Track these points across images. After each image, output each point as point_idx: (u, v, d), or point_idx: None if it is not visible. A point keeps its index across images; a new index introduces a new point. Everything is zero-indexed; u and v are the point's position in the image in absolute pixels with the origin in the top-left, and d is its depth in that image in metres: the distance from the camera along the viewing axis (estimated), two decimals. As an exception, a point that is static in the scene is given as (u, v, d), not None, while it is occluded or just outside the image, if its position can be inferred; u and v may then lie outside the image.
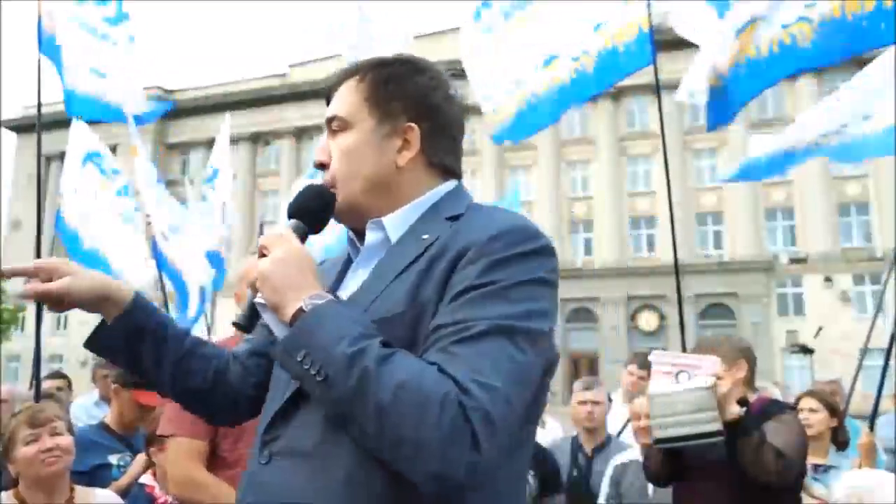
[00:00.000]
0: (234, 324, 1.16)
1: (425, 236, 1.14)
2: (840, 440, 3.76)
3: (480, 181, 32.56)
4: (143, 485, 2.83)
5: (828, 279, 27.00)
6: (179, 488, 2.30)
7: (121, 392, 3.33)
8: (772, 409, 2.75)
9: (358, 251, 1.26)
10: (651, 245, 30.08)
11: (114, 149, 9.55)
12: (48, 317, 33.43)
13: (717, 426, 2.40)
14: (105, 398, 5.01)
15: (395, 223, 1.19)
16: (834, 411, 3.79)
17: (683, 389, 2.42)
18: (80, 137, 7.32)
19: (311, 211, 1.22)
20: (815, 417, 3.69)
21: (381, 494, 1.01)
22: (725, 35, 4.40)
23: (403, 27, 5.95)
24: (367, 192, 1.20)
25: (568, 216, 31.24)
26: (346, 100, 1.23)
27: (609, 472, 3.42)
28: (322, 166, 1.24)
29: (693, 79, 4.67)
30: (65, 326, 35.16)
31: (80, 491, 2.45)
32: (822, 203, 27.63)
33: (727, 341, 2.92)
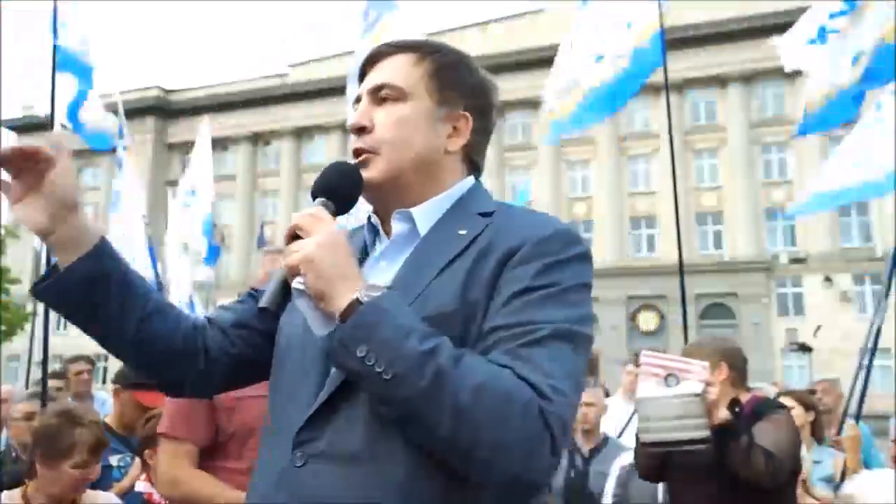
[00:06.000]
0: (261, 308, 1.05)
1: (462, 231, 1.10)
2: (817, 434, 4.07)
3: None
4: (139, 493, 2.81)
5: (828, 279, 26.99)
6: (166, 488, 2.29)
7: (121, 392, 3.33)
8: (763, 408, 2.75)
9: (375, 237, 1.22)
10: (651, 245, 30.07)
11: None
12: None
13: (703, 433, 2.39)
14: (76, 396, 5.01)
15: (425, 215, 1.15)
16: (809, 407, 4.05)
17: (672, 395, 2.40)
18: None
19: (339, 190, 1.12)
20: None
21: (441, 495, 0.98)
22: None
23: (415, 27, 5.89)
24: (413, 168, 1.16)
25: (568, 216, 31.16)
26: (404, 71, 1.18)
27: (615, 472, 3.42)
28: (361, 130, 1.16)
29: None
30: (65, 326, 35.05)
31: (84, 493, 2.45)
32: (822, 203, 27.58)
33: (710, 343, 2.89)
